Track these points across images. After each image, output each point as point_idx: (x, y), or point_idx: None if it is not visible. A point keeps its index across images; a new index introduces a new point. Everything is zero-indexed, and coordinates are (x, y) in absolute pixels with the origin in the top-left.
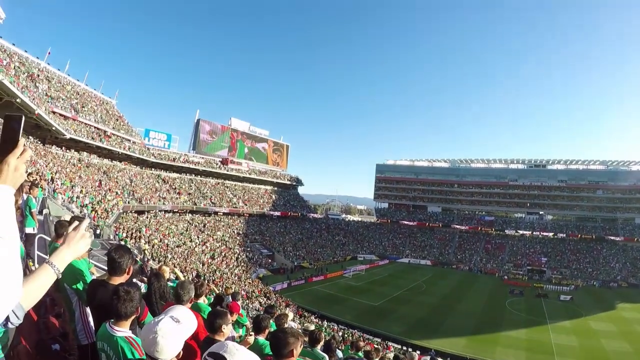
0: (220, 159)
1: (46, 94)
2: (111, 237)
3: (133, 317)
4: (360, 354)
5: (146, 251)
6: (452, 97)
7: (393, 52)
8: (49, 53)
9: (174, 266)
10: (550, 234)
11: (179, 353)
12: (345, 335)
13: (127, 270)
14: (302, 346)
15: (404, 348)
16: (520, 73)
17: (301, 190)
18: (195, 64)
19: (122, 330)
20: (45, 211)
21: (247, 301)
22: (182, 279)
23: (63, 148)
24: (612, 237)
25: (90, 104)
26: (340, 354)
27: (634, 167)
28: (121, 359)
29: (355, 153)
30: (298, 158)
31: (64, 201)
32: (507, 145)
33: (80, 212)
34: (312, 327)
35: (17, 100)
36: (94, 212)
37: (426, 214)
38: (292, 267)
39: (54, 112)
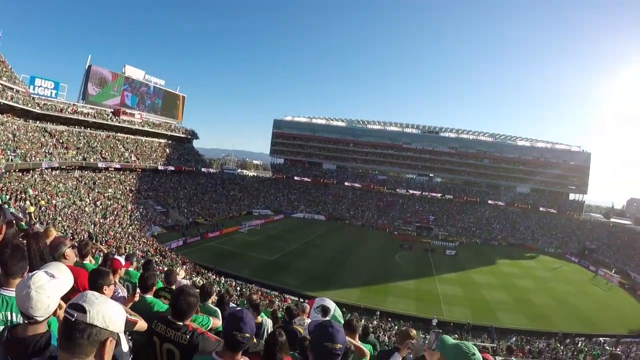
0: (112, 110)
1: None
2: None
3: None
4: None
5: (32, 214)
6: (347, 59)
7: (293, 10)
8: None
9: (64, 230)
10: (439, 195)
11: (55, 311)
12: (243, 290)
13: None
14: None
15: (300, 300)
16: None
17: (196, 144)
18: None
19: (11, 290)
20: None
21: (142, 260)
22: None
23: None
24: (495, 202)
25: None
26: (233, 306)
27: (519, 142)
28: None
29: (254, 108)
30: (194, 111)
31: None
32: (402, 112)
33: None
34: (202, 282)
35: None
36: None
37: (321, 170)
38: (187, 224)
39: None
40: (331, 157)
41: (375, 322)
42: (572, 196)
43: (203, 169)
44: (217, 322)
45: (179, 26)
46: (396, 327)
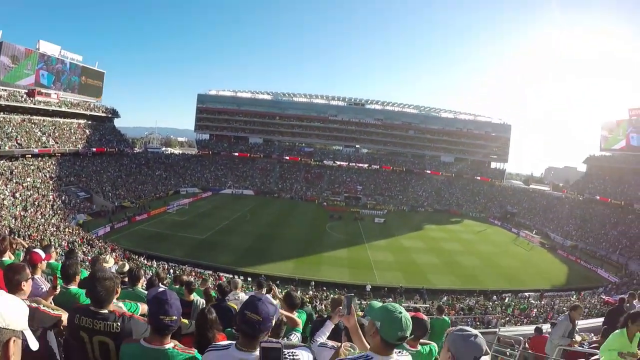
0: (26, 91)
1: None
2: None
3: None
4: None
5: None
6: (272, 30)
7: None
8: None
9: None
10: (365, 165)
11: None
12: (177, 272)
13: None
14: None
15: (234, 277)
16: (335, 15)
17: (118, 123)
18: None
19: None
20: None
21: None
22: None
23: None
24: (420, 171)
25: None
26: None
27: (443, 114)
28: None
29: (178, 83)
30: (115, 88)
31: None
32: (328, 85)
33: None
34: (126, 268)
35: None
36: None
37: (248, 145)
38: (114, 208)
39: None
40: (258, 130)
41: (311, 292)
42: (493, 165)
43: (126, 150)
44: (145, 307)
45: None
46: (332, 296)
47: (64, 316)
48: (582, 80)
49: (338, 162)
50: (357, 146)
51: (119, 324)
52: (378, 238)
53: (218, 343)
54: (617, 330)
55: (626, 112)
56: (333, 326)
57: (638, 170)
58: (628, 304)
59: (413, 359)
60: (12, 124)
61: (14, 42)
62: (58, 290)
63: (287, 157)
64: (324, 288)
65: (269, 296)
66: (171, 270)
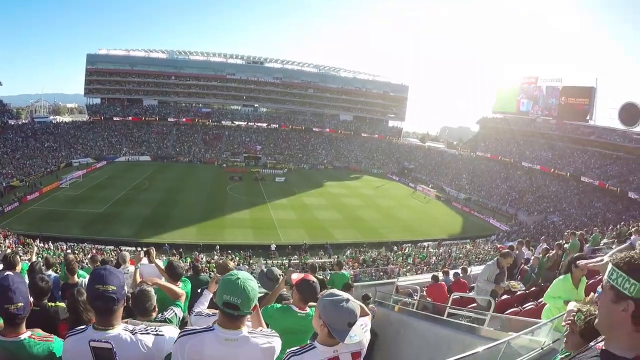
0: None
1: None
2: None
3: None
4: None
5: None
6: None
7: None
8: None
9: None
10: (265, 125)
11: None
12: (76, 252)
13: None
14: None
15: (138, 249)
16: None
17: (1, 92)
18: None
19: None
20: None
21: None
22: None
23: None
24: (319, 129)
25: None
26: (52, 273)
27: (342, 74)
28: None
29: (64, 42)
30: None
31: None
32: (227, 42)
33: None
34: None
35: None
36: None
37: (142, 107)
38: (1, 190)
39: None
40: (152, 92)
41: (216, 256)
42: (391, 123)
43: (10, 121)
44: None
45: None
46: (237, 259)
47: None
48: (480, 44)
49: (237, 122)
50: (255, 105)
51: None
52: (279, 197)
53: (77, 327)
54: (560, 276)
55: (519, 79)
56: (211, 295)
57: (526, 132)
58: (517, 252)
59: (302, 321)
60: None
61: None
62: None
63: (184, 119)
64: (229, 251)
65: (147, 264)
66: (69, 251)
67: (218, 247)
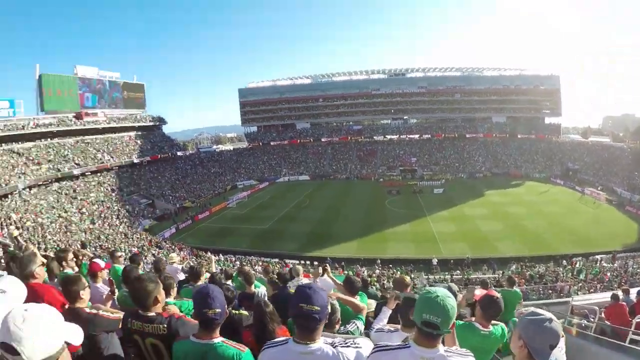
0: (74, 114)
1: None
2: None
3: None
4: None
5: (18, 237)
6: (302, 13)
7: None
8: None
9: (56, 244)
10: (416, 136)
11: None
12: (244, 264)
13: None
14: (174, 288)
15: (302, 262)
16: None
17: (167, 129)
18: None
19: None
20: None
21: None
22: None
23: None
24: (473, 135)
25: None
26: (230, 283)
27: (486, 73)
28: None
29: (218, 81)
30: (158, 98)
31: None
32: (367, 59)
33: None
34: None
35: None
36: None
37: (296, 131)
38: (176, 210)
39: None
40: (303, 115)
41: (377, 270)
42: (547, 120)
43: (179, 153)
44: None
45: (124, 18)
46: (399, 273)
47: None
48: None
49: (388, 136)
50: (405, 117)
51: (166, 326)
52: (439, 209)
53: (275, 339)
54: None
55: None
56: (390, 312)
57: None
58: None
59: (486, 340)
60: (67, 147)
61: (52, 71)
62: (117, 294)
63: (337, 138)
64: (390, 265)
65: (326, 278)
66: (237, 263)
67: (379, 261)
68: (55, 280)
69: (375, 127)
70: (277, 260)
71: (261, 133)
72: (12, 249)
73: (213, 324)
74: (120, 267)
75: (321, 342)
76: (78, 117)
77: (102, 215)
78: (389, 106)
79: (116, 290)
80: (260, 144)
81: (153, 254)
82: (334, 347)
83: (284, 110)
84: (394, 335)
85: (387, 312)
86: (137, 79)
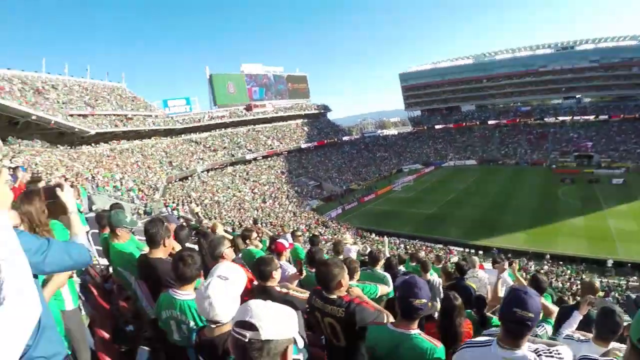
0: (244, 106)
1: (57, 101)
2: (162, 210)
3: (196, 280)
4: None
5: (199, 213)
6: None
7: None
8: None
9: (231, 220)
10: (592, 117)
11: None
12: (407, 247)
13: (162, 242)
14: (358, 272)
15: (466, 250)
16: None
17: (330, 116)
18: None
19: (190, 294)
20: (94, 207)
21: (307, 233)
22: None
23: (92, 144)
24: None
25: (102, 96)
26: (402, 269)
27: None
28: (197, 321)
29: (379, 66)
30: (321, 87)
31: (109, 192)
32: (531, 32)
33: (128, 196)
34: (367, 250)
35: (33, 117)
36: (140, 192)
37: (461, 114)
38: (342, 192)
39: (71, 115)
40: (467, 98)
41: (546, 267)
42: None
43: (345, 138)
44: (385, 289)
45: (282, 14)
46: (569, 272)
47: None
48: None
49: (560, 118)
50: (577, 96)
51: (344, 310)
52: (618, 202)
53: (476, 340)
54: None
55: None
56: (581, 317)
57: None
58: None
59: None
60: (239, 135)
61: (220, 71)
62: (304, 275)
63: (505, 120)
64: (560, 262)
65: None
66: (402, 246)
67: (548, 256)
68: (240, 255)
69: (545, 108)
70: (440, 246)
71: (425, 117)
72: (193, 222)
73: (416, 314)
74: (299, 246)
75: (525, 349)
76: (248, 108)
77: (273, 195)
78: (558, 84)
79: (304, 271)
80: (425, 127)
81: (320, 232)
82: (538, 356)
83: (447, 93)
84: (583, 346)
85: (577, 317)
86: (299, 71)
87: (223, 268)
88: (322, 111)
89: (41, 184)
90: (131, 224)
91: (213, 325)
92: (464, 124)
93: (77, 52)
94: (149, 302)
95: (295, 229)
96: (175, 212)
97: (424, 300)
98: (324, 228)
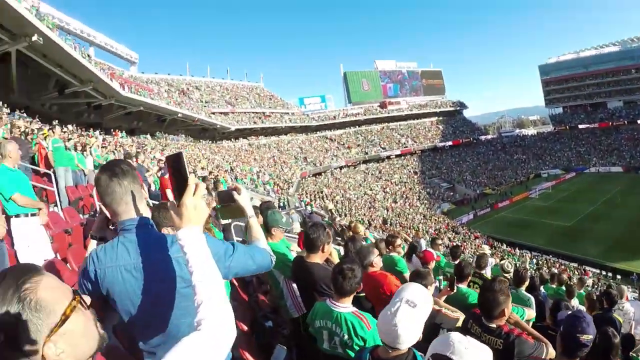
0: (378, 103)
1: (200, 100)
2: (297, 204)
3: (354, 293)
4: (563, 288)
5: (332, 210)
6: None
7: None
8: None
9: (361, 218)
10: None
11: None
12: (539, 263)
13: (321, 248)
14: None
15: (602, 273)
16: None
17: (466, 113)
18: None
19: (347, 306)
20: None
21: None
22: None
23: (232, 139)
24: None
25: (241, 95)
26: (542, 290)
27: None
28: (352, 335)
29: (516, 59)
30: (457, 82)
31: (246, 184)
32: None
33: (264, 189)
34: (511, 267)
35: (179, 115)
36: (276, 186)
37: (607, 111)
38: (475, 196)
39: (213, 113)
40: (614, 92)
41: None
42: None
43: (480, 137)
44: (531, 313)
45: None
46: None
47: (462, 318)
48: None
49: None
50: None
51: (502, 341)
52: None
53: None
54: None
55: None
56: None
57: None
58: None
59: None
60: (373, 133)
61: (354, 69)
62: (455, 291)
63: None
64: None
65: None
66: (534, 260)
67: None
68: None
69: None
70: (575, 264)
71: (567, 114)
72: (326, 219)
73: (581, 351)
74: (444, 260)
75: None
76: (382, 106)
77: (404, 195)
78: None
79: (455, 288)
80: (567, 127)
81: (449, 238)
82: None
83: (591, 87)
84: None
85: None
86: (433, 66)
87: (411, 292)
88: (458, 108)
89: (203, 182)
90: (286, 225)
91: (390, 350)
92: (610, 123)
93: (218, 54)
94: (294, 303)
95: (435, 235)
96: (308, 208)
97: (590, 337)
98: (454, 234)
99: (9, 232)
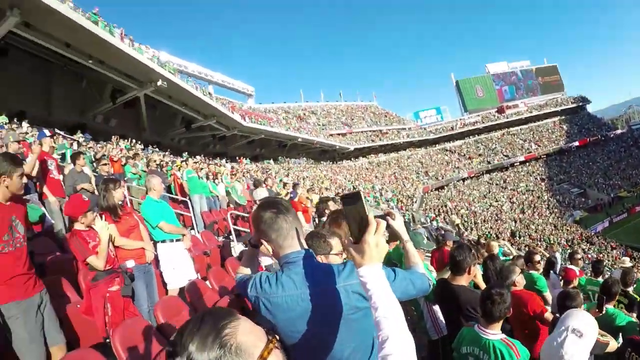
0: (495, 109)
1: (317, 124)
2: (422, 220)
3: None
4: None
5: (459, 224)
6: None
7: None
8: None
9: (487, 231)
10: None
11: None
12: None
13: (467, 270)
14: None
15: None
16: None
17: (590, 108)
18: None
19: (496, 333)
20: None
21: (568, 249)
22: (513, 253)
23: (352, 159)
24: None
25: (356, 115)
26: None
27: None
28: None
29: (637, 37)
30: (574, 75)
31: (370, 202)
32: None
33: (388, 206)
34: None
35: (299, 140)
36: (399, 203)
37: None
38: (609, 200)
39: (331, 135)
40: None
41: None
42: None
43: (608, 133)
44: None
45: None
46: None
47: (612, 343)
48: None
49: None
50: None
51: None
52: None
53: None
54: None
55: None
56: None
57: None
58: None
59: None
60: (493, 141)
61: (462, 76)
62: (603, 312)
63: None
64: None
65: None
66: None
67: None
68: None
69: None
70: None
71: None
72: (453, 234)
73: None
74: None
75: None
76: (500, 111)
77: (532, 204)
78: None
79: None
80: None
81: (583, 250)
82: None
83: None
84: None
85: None
86: (547, 61)
87: (578, 321)
88: (581, 104)
89: (331, 204)
90: (427, 247)
91: None
92: None
93: (330, 79)
94: (434, 325)
95: (575, 249)
96: (434, 223)
97: None
98: (588, 244)
99: (155, 256)
